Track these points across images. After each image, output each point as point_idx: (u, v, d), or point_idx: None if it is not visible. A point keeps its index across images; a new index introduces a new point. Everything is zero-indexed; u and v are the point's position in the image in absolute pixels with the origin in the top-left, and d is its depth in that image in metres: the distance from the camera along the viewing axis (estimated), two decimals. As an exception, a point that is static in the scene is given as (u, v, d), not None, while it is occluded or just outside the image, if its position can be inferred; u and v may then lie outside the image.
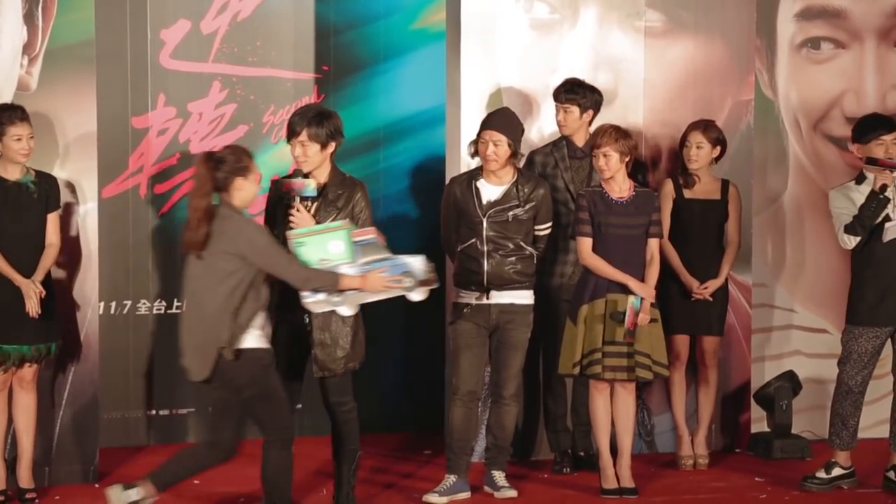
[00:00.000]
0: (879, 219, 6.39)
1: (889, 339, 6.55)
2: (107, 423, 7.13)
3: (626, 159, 6.37)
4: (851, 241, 6.43)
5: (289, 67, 7.58)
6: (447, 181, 6.63)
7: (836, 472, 6.64)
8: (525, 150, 6.70)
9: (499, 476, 6.49)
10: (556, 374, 6.69)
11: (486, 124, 6.32)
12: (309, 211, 5.84)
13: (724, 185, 7.04)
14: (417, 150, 7.71)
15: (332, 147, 5.88)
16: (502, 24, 7.06)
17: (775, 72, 7.63)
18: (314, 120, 5.82)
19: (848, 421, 6.56)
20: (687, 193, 6.99)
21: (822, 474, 6.65)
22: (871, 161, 6.42)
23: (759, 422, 7.48)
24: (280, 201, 5.91)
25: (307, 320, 5.82)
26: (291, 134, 5.84)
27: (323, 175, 5.89)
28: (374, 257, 5.74)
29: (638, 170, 7.05)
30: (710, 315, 7.00)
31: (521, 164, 6.60)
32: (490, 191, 6.34)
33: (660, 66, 7.27)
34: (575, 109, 6.83)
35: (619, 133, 6.36)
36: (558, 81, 6.94)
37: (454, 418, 6.38)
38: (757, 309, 7.53)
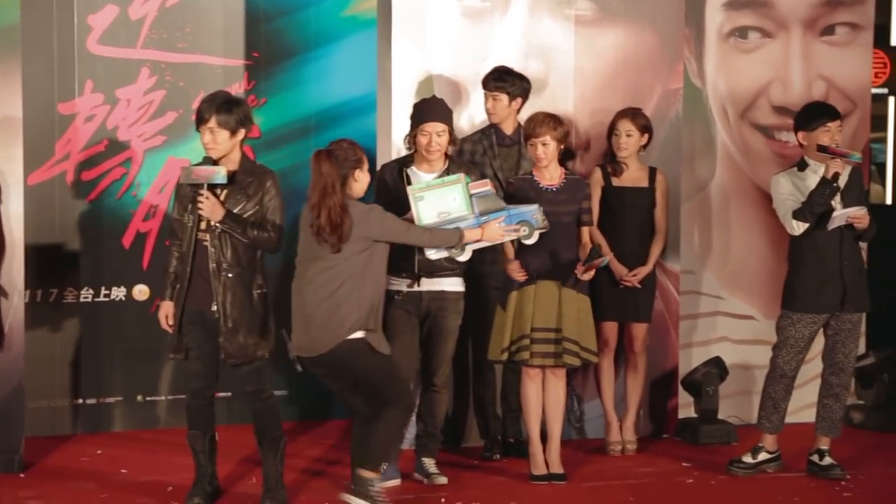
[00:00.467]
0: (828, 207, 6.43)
1: (823, 326, 6.62)
2: (32, 412, 7.06)
3: (561, 147, 6.39)
4: (799, 228, 6.44)
5: (218, 54, 7.55)
6: (378, 168, 6.62)
7: (763, 456, 6.70)
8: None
9: (429, 463, 6.50)
10: (486, 361, 6.72)
11: (427, 116, 6.29)
12: (218, 198, 5.80)
13: (652, 172, 7.07)
14: (348, 137, 7.44)
15: (241, 134, 5.85)
16: (433, 12, 7.05)
17: (704, 61, 7.66)
18: (223, 107, 5.79)
19: (779, 404, 6.63)
20: (615, 181, 7.01)
21: (748, 458, 6.71)
22: (822, 149, 6.42)
23: (686, 407, 7.52)
24: (183, 188, 5.87)
25: (214, 308, 5.79)
26: (200, 121, 5.81)
27: (232, 162, 5.86)
28: (491, 207, 6.01)
29: (568, 158, 7.08)
30: (639, 302, 7.04)
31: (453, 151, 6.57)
32: (422, 178, 6.31)
33: (590, 55, 7.28)
34: (504, 97, 6.83)
35: (555, 121, 6.36)
36: (489, 69, 6.94)
37: None
38: (685, 296, 7.56)
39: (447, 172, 6.28)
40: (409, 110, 6.45)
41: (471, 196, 6.01)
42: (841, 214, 6.41)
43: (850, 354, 6.59)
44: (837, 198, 6.46)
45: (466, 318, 6.58)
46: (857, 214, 6.43)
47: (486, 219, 6.01)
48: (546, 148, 6.35)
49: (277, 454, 5.95)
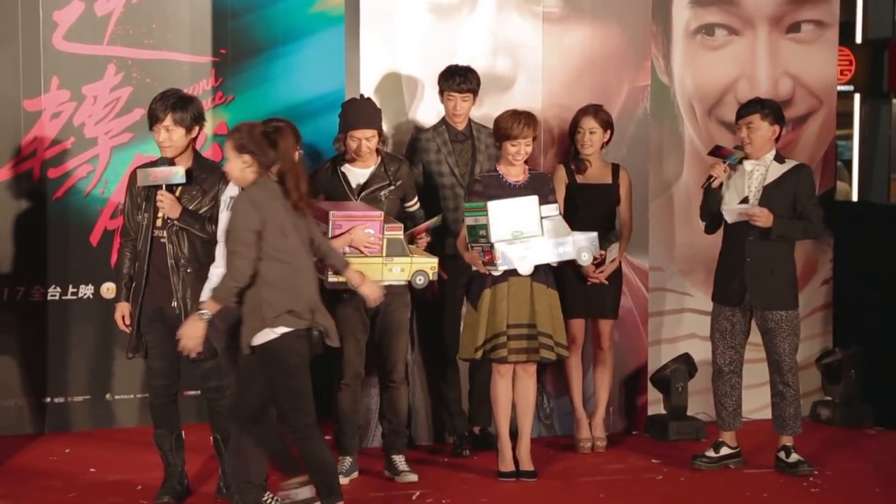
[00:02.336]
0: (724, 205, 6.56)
1: (753, 322, 6.65)
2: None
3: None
4: (702, 226, 6.74)
5: (185, 50, 7.51)
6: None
7: (724, 451, 6.76)
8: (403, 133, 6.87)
9: (398, 460, 6.51)
10: (448, 358, 6.74)
11: (355, 122, 6.28)
12: (174, 195, 5.80)
13: (615, 169, 7.08)
14: (316, 135, 7.58)
15: (195, 131, 5.87)
16: (401, 8, 7.05)
17: (671, 57, 7.68)
18: (178, 104, 5.78)
19: (724, 401, 6.68)
20: (579, 179, 7.01)
21: (710, 453, 6.76)
22: (713, 151, 6.65)
23: (655, 404, 7.55)
24: (134, 185, 5.86)
25: (174, 304, 5.78)
26: (154, 120, 5.80)
27: (186, 160, 5.87)
28: (561, 232, 6.22)
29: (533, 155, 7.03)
30: (605, 298, 7.05)
31: (407, 145, 6.79)
32: (357, 174, 6.35)
33: (558, 52, 7.28)
34: (470, 98, 6.82)
35: (534, 120, 6.40)
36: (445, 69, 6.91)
37: (343, 403, 6.41)
38: (653, 292, 7.59)
39: (382, 167, 6.33)
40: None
41: (542, 218, 6.17)
42: (731, 210, 6.50)
43: (783, 353, 6.59)
44: (734, 194, 6.55)
45: (425, 315, 6.61)
46: (750, 212, 6.47)
47: (554, 241, 6.19)
48: (528, 148, 6.38)
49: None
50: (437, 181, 6.88)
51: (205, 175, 5.86)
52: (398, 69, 7.04)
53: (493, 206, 6.15)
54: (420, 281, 6.05)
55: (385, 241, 6.00)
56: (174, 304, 5.77)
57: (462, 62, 6.94)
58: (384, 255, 5.99)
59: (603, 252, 6.68)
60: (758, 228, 6.51)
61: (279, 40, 7.70)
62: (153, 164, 5.95)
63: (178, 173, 5.74)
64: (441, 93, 6.86)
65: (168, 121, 5.76)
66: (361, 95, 6.54)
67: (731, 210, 6.53)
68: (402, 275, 6.02)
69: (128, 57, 7.41)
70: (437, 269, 6.13)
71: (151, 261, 5.81)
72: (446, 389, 7.04)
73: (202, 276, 5.72)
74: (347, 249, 5.95)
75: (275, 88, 7.70)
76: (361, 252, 5.98)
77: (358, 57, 6.97)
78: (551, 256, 6.30)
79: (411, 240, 6.31)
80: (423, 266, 6.07)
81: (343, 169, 6.37)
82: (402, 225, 6.16)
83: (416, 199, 6.56)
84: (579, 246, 6.30)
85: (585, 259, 6.35)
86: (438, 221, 6.51)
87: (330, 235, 5.92)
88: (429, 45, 7.08)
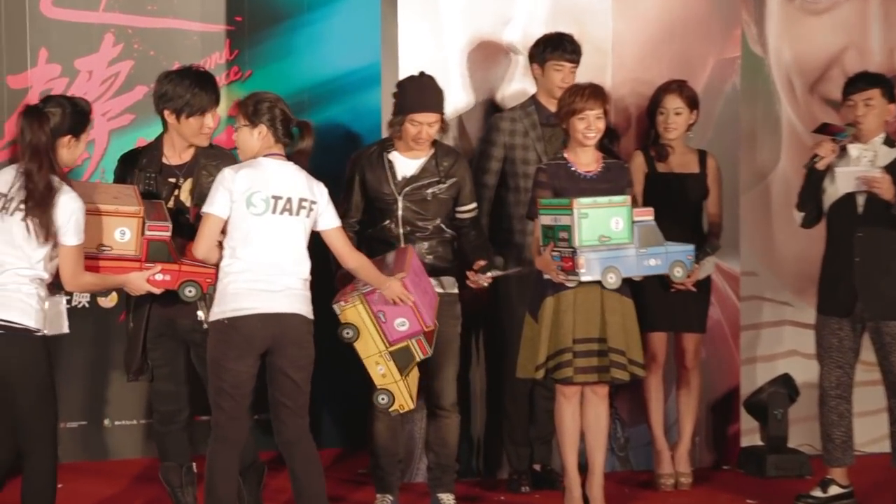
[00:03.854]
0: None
1: (866, 336, 6.52)
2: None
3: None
4: (798, 218, 6.61)
5: (195, 18, 7.41)
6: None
7: (834, 490, 6.56)
8: (474, 116, 6.81)
9: (446, 499, 6.33)
10: (512, 380, 6.57)
11: (419, 104, 6.17)
12: (179, 190, 5.75)
13: (702, 156, 6.97)
14: (348, 116, 7.55)
15: None
16: (446, -32, 7.00)
17: (765, 25, 7.58)
18: (215, 85, 5.77)
19: (832, 430, 6.53)
20: (660, 167, 6.90)
21: (817, 493, 6.56)
22: (821, 128, 6.52)
23: (750, 434, 7.42)
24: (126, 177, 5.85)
25: (200, 316, 5.70)
26: (206, 109, 5.71)
27: (190, 150, 5.88)
28: (652, 242, 6.10)
29: (605, 139, 6.88)
30: (691, 309, 6.88)
31: (488, 130, 6.75)
32: (405, 165, 6.24)
33: (630, 18, 7.15)
34: (576, 70, 6.68)
35: (598, 88, 6.25)
36: (513, 36, 6.86)
37: (379, 432, 6.31)
38: (746, 302, 7.48)
39: (434, 160, 6.23)
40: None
41: (633, 223, 6.06)
42: (846, 173, 6.36)
43: None
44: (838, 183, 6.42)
45: (492, 333, 6.65)
46: (870, 177, 6.33)
47: (646, 252, 6.09)
48: (600, 122, 6.20)
49: (260, 485, 5.90)
50: (522, 170, 6.69)
51: (215, 163, 5.77)
52: (443, 39, 6.91)
53: (580, 203, 5.98)
54: (382, 400, 5.81)
55: (404, 343, 5.78)
56: (200, 316, 5.67)
57: (517, 30, 6.87)
58: (387, 347, 5.78)
59: (697, 265, 6.56)
60: (868, 221, 6.35)
61: (304, 6, 7.62)
62: (140, 151, 5.88)
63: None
64: (542, 63, 6.71)
65: (216, 109, 5.75)
66: (422, 73, 6.36)
67: (846, 173, 6.35)
68: (377, 377, 5.80)
69: (128, 25, 7.33)
70: (406, 409, 5.89)
71: None
72: (509, 415, 6.89)
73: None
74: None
75: (300, 62, 7.60)
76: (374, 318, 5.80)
77: (396, 25, 6.87)
78: (640, 269, 6.16)
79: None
80: (399, 394, 5.82)
81: (390, 156, 6.24)
82: (429, 351, 5.89)
83: (473, 203, 6.38)
84: (674, 259, 6.19)
85: (679, 275, 6.21)
86: (519, 272, 6.45)
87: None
88: (478, 11, 6.94)
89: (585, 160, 6.22)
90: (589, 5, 7.03)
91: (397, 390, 5.80)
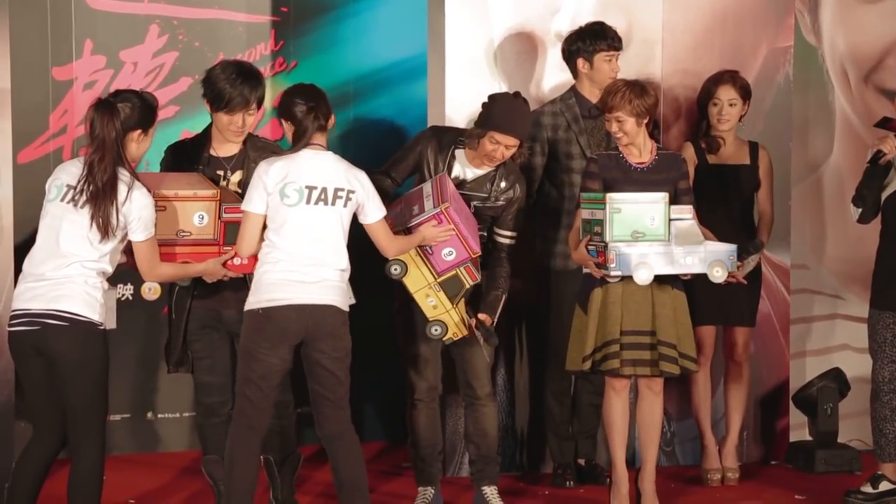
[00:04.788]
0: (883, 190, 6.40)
1: None
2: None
3: (645, 121, 6.20)
4: (855, 213, 6.55)
5: (240, 9, 7.43)
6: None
7: (885, 486, 6.53)
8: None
9: (490, 493, 6.32)
10: (561, 372, 6.56)
11: (508, 127, 6.07)
12: (227, 182, 5.80)
13: (753, 147, 6.95)
14: (393, 108, 7.57)
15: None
16: (494, -41, 6.95)
17: (819, 13, 7.55)
18: (258, 83, 5.79)
19: (884, 426, 6.48)
20: (711, 159, 6.88)
21: (867, 489, 6.53)
22: (882, 123, 6.43)
23: (799, 429, 7.38)
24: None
25: None
26: (238, 104, 5.75)
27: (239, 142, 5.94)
28: (689, 241, 6.06)
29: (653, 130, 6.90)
30: (741, 302, 6.87)
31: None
32: (464, 168, 6.23)
33: (681, 7, 7.14)
34: (617, 59, 6.68)
35: (633, 92, 6.14)
36: (561, 26, 6.84)
37: (418, 422, 6.31)
38: (796, 295, 7.44)
39: (493, 177, 6.20)
40: (483, 99, 6.20)
41: (670, 220, 6.04)
42: None
43: None
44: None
45: (536, 326, 6.66)
46: None
47: (682, 250, 6.04)
48: (622, 125, 6.18)
49: (294, 473, 6.01)
50: (565, 164, 6.69)
51: (264, 155, 5.77)
52: (491, 29, 6.89)
53: (612, 199, 6.00)
54: (435, 332, 5.92)
55: (452, 273, 5.86)
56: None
57: (566, 20, 6.86)
58: (436, 278, 5.86)
59: (740, 264, 6.52)
60: None
61: (350, -4, 7.69)
62: (188, 142, 5.95)
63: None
64: (589, 56, 6.68)
65: (253, 106, 5.77)
66: (517, 94, 6.31)
67: None
68: (429, 309, 5.89)
69: (173, 16, 7.35)
70: (460, 336, 5.98)
71: None
72: (555, 408, 6.88)
73: None
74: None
75: (345, 53, 7.61)
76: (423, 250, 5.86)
77: (443, 15, 6.85)
78: (675, 267, 6.12)
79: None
80: (451, 323, 5.91)
81: (457, 151, 6.22)
82: (478, 276, 5.99)
83: (514, 232, 6.30)
84: (713, 259, 6.12)
85: (718, 275, 6.12)
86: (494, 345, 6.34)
87: (423, 215, 5.80)
88: (526, 1, 6.95)
89: (637, 152, 6.21)
90: (638, -6, 7.11)
91: (449, 319, 5.87)
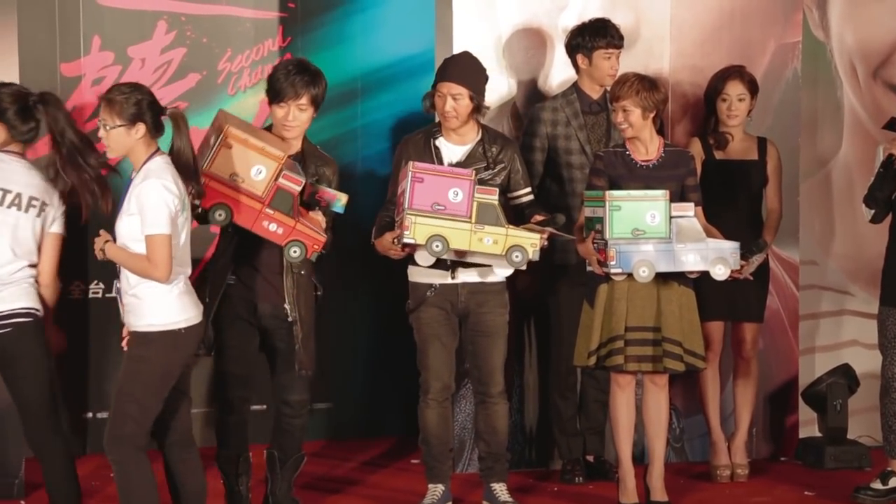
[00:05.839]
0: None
1: None
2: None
3: (651, 115, 6.22)
4: (867, 214, 6.53)
5: (248, 5, 7.48)
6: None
7: (894, 482, 6.55)
8: (525, 104, 6.80)
9: (499, 489, 6.36)
10: (569, 368, 6.62)
11: (442, 74, 6.23)
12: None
13: (762, 143, 6.97)
14: (401, 104, 7.57)
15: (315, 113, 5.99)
16: (501, -46, 6.96)
17: (827, 8, 7.56)
18: (316, 80, 5.89)
19: (893, 423, 6.50)
20: (718, 154, 6.90)
21: (877, 485, 6.56)
22: (890, 124, 6.43)
23: (808, 425, 7.42)
24: None
25: (287, 307, 5.89)
26: (288, 95, 5.86)
27: (297, 144, 5.95)
28: (692, 238, 6.09)
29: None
30: (749, 298, 6.89)
31: (529, 121, 6.73)
32: (452, 151, 6.26)
33: (689, 3, 7.17)
34: (617, 54, 6.69)
35: (641, 84, 6.18)
36: (569, 21, 6.85)
37: (429, 420, 6.32)
38: (805, 291, 7.47)
39: (481, 146, 6.24)
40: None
41: (671, 218, 6.06)
42: None
43: None
44: None
45: (544, 322, 6.65)
46: None
47: (683, 247, 6.07)
48: (628, 115, 6.20)
49: (296, 473, 6.05)
50: (564, 160, 6.73)
51: (319, 163, 5.94)
52: (498, 26, 6.93)
53: (612, 196, 6.03)
54: (517, 258, 5.94)
55: (476, 204, 5.87)
56: (287, 307, 5.83)
57: (573, 15, 6.87)
58: (473, 220, 5.89)
59: (744, 263, 6.50)
60: None
61: (358, -8, 7.68)
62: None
63: (340, 200, 5.85)
64: (588, 53, 6.72)
65: (305, 99, 5.85)
66: (463, 52, 6.44)
67: None
68: (494, 247, 5.93)
69: (181, 13, 7.38)
70: (538, 248, 5.98)
71: (251, 256, 5.82)
72: (560, 405, 6.91)
73: (310, 282, 5.91)
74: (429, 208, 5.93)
75: (353, 49, 7.64)
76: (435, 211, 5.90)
77: (450, 12, 6.90)
78: (676, 265, 6.14)
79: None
80: (521, 241, 5.93)
81: (437, 143, 6.29)
82: (496, 189, 6.02)
83: (527, 188, 6.39)
84: (715, 256, 6.14)
85: (720, 273, 6.15)
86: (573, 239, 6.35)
87: (406, 190, 5.87)
88: None
89: (643, 148, 6.24)
90: (646, -10, 7.08)
91: (517, 238, 5.91)
